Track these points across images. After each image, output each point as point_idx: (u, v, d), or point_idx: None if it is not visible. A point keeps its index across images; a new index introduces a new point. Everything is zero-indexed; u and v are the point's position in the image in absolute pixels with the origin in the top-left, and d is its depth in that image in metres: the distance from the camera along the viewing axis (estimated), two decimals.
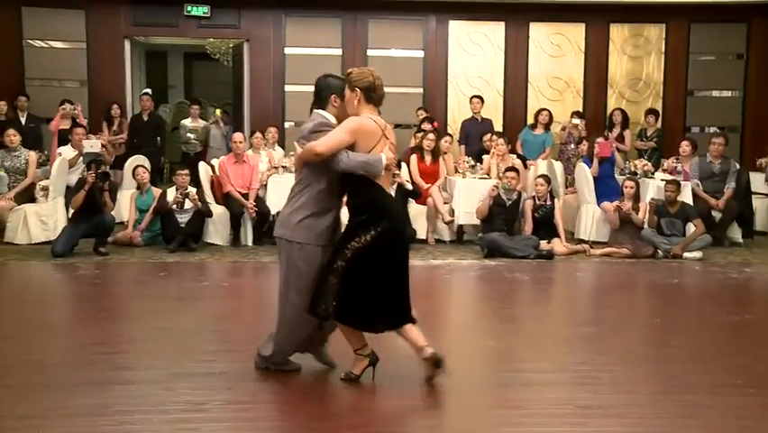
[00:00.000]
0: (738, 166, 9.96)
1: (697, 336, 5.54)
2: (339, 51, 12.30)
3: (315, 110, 4.42)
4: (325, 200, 4.31)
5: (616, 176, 9.86)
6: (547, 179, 9.23)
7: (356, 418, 3.95)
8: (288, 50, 12.28)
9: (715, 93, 12.69)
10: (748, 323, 6.05)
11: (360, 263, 4.17)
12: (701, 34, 12.38)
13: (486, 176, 9.73)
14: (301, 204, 4.28)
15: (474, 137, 10.94)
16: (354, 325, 4.29)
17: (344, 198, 4.46)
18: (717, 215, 9.45)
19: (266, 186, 9.47)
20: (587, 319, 6.24)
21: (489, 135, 10.34)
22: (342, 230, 4.34)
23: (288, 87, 12.26)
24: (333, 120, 4.36)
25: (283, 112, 12.24)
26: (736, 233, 9.59)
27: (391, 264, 4.24)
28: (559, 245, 8.81)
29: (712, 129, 12.05)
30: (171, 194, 8.95)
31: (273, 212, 9.34)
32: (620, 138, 11.12)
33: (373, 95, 4.36)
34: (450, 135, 10.79)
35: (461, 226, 9.58)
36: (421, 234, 9.38)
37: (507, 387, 4.47)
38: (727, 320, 6.04)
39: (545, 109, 11.20)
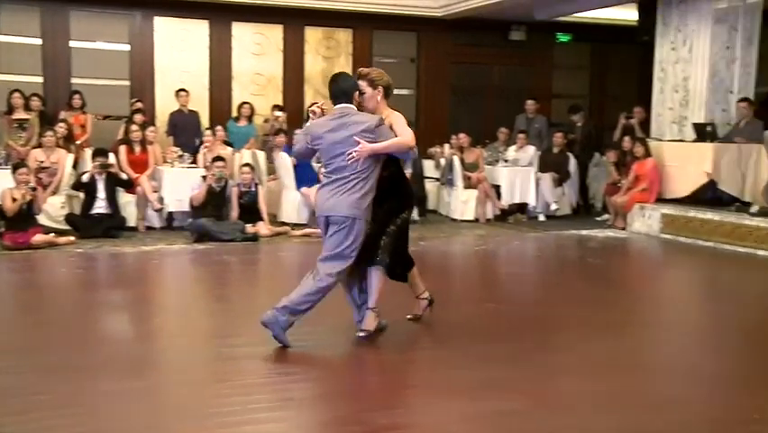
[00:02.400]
0: (416, 154, 10.69)
1: (397, 301, 5.83)
2: (38, 41, 11.24)
3: (344, 104, 4.64)
4: (376, 183, 4.64)
5: (313, 164, 10.11)
6: (251, 167, 9.25)
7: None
8: None
9: (395, 91, 13.47)
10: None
11: (402, 232, 4.82)
12: (382, 40, 13.11)
13: (194, 165, 9.55)
14: (369, 188, 4.58)
15: (182, 129, 10.62)
16: (402, 278, 4.97)
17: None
18: None
19: None
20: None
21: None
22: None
23: None
24: None
25: None
26: (414, 213, 10.28)
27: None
28: (263, 228, 8.86)
29: None
30: None
31: None
32: None
33: (389, 92, 4.83)
34: (154, 126, 10.39)
35: (170, 213, 9.29)
36: (131, 222, 8.94)
37: (220, 361, 4.40)
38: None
39: (247, 103, 11.20)
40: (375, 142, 4.52)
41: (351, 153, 4.49)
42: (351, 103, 4.65)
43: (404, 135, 4.62)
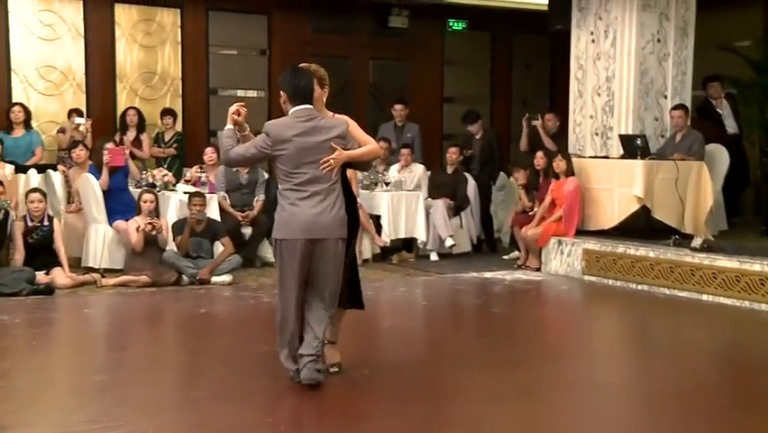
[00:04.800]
0: (267, 175, 10.69)
1: (226, 373, 5.77)
2: None
3: (306, 105, 5.22)
4: None
5: (130, 189, 9.94)
6: (43, 193, 9.01)
7: None
8: None
9: (240, 92, 13.50)
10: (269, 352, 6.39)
11: (352, 257, 5.64)
12: (221, 25, 13.11)
13: None
14: (342, 200, 5.26)
15: None
16: (361, 306, 5.73)
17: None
18: (247, 231, 10.04)
19: None
20: (99, 365, 6.15)
21: None
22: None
23: None
24: None
25: None
26: (267, 251, 10.26)
27: None
28: (61, 276, 8.64)
29: None
30: None
31: None
32: (137, 143, 11.30)
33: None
34: None
35: None
36: None
37: None
38: (261, 351, 6.39)
39: (18, 104, 11.05)
40: (346, 149, 5.24)
41: (326, 161, 5.12)
42: (311, 104, 5.24)
43: (371, 142, 5.53)
